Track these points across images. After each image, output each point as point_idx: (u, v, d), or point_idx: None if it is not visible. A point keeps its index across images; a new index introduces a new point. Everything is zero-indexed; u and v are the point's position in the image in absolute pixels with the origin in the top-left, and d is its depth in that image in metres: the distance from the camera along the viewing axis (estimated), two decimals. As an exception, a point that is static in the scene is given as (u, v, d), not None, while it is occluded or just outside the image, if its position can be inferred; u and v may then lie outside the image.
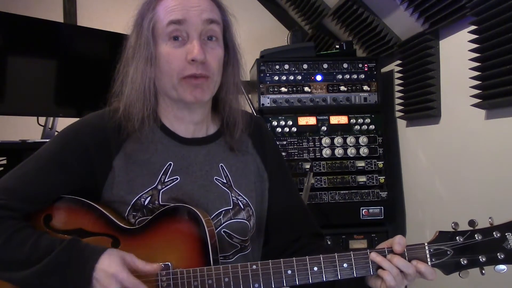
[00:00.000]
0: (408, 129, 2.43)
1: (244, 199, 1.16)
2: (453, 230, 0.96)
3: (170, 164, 1.11)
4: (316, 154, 2.43)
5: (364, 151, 2.44)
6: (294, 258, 0.98)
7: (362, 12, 2.43)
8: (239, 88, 1.19)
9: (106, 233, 1.03)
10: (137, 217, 1.06)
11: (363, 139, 2.44)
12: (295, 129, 2.44)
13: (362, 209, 2.41)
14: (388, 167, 2.47)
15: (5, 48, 2.11)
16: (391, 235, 1.40)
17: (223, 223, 1.12)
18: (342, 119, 2.46)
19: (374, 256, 0.97)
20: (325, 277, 0.97)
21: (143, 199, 1.07)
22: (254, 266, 0.98)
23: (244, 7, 3.23)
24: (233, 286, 0.97)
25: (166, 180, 1.10)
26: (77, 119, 1.17)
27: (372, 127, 2.45)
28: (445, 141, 2.05)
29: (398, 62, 2.38)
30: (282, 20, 3.38)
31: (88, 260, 0.95)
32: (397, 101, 2.42)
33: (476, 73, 1.73)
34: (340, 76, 2.46)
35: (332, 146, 2.44)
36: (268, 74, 2.45)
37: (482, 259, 0.93)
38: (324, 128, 2.44)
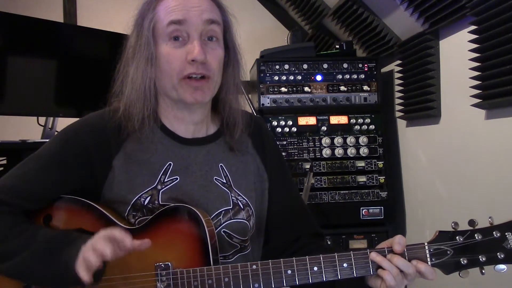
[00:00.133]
0: (408, 129, 2.43)
1: (244, 199, 1.16)
2: (453, 230, 0.96)
3: (170, 164, 1.11)
4: (316, 154, 2.43)
5: (364, 151, 2.44)
6: (294, 258, 0.98)
7: (362, 12, 2.43)
8: (239, 88, 1.19)
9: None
10: (137, 217, 1.07)
11: (363, 139, 2.44)
12: (295, 129, 2.44)
13: (362, 209, 2.41)
14: (388, 167, 2.47)
15: (5, 48, 2.11)
16: (391, 235, 1.40)
17: (223, 223, 1.12)
18: (342, 119, 2.46)
19: (374, 256, 0.97)
20: (325, 277, 0.97)
21: (143, 199, 1.07)
22: (254, 266, 0.98)
23: (244, 7, 3.23)
24: (233, 286, 0.97)
25: (165, 180, 1.10)
26: (77, 119, 1.17)
27: (372, 127, 2.45)
28: (445, 141, 2.05)
29: (398, 62, 2.38)
30: (282, 20, 3.38)
31: (80, 241, 0.96)
32: (397, 101, 2.42)
33: (476, 73, 1.73)
34: (340, 76, 2.46)
35: (332, 146, 2.44)
36: (268, 74, 2.45)
37: (482, 258, 0.93)
38: (324, 128, 2.44)
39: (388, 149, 2.52)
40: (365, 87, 2.46)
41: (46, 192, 1.06)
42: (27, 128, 2.35)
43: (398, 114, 2.44)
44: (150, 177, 1.09)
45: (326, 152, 2.43)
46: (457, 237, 0.95)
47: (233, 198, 1.14)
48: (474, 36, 1.72)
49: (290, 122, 2.44)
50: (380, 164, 2.44)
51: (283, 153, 2.30)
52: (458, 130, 1.95)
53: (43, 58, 2.25)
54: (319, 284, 0.98)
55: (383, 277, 0.95)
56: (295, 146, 2.43)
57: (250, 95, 2.47)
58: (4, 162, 2.05)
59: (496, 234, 0.93)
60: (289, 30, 3.07)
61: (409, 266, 0.94)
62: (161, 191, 1.09)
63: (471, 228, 0.95)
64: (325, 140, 2.43)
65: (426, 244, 0.96)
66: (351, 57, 2.54)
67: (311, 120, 2.45)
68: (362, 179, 2.42)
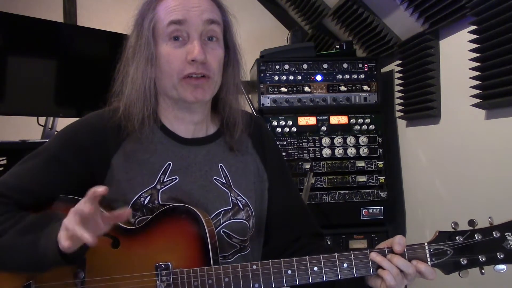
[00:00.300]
0: (408, 129, 2.43)
1: (244, 199, 1.16)
2: (453, 230, 0.96)
3: (169, 164, 1.11)
4: (316, 154, 2.43)
5: (364, 151, 2.44)
6: (294, 258, 0.98)
7: (362, 12, 2.43)
8: (239, 88, 1.19)
9: (106, 233, 1.03)
10: (137, 217, 1.07)
11: (363, 139, 2.44)
12: (295, 129, 2.44)
13: (362, 209, 2.41)
14: (388, 167, 2.47)
15: (5, 48, 2.11)
16: (391, 235, 1.40)
17: (223, 223, 1.12)
18: (342, 119, 2.46)
19: (374, 256, 0.97)
20: (325, 277, 0.97)
21: (143, 199, 1.07)
22: (254, 266, 0.98)
23: (244, 7, 3.23)
24: (233, 286, 0.97)
25: (165, 180, 1.10)
26: (77, 119, 1.17)
27: (372, 127, 2.45)
28: (445, 141, 2.05)
29: (398, 62, 2.38)
30: (282, 20, 3.38)
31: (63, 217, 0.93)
32: (397, 101, 2.42)
33: (476, 73, 1.73)
34: (340, 76, 2.46)
35: (332, 146, 2.44)
36: (268, 74, 2.45)
37: (482, 258, 0.94)
38: (324, 128, 2.44)
39: (388, 149, 2.52)
40: (365, 87, 2.46)
41: (43, 188, 1.06)
42: (27, 128, 2.35)
43: (398, 114, 2.44)
44: (150, 177, 1.09)
45: (326, 152, 2.43)
46: (457, 237, 0.95)
47: (232, 198, 1.14)
48: (474, 36, 1.72)
49: (290, 122, 2.44)
50: (380, 164, 2.44)
51: (283, 153, 2.30)
52: (458, 130, 1.95)
53: (43, 58, 2.25)
54: (319, 284, 0.98)
55: (383, 277, 0.95)
56: (295, 146, 2.43)
57: (250, 95, 2.47)
58: (4, 162, 2.05)
59: (496, 234, 0.93)
60: (289, 30, 3.07)
61: (409, 266, 0.95)
62: (160, 191, 1.09)
63: (471, 228, 0.95)
64: (325, 140, 2.43)
65: (426, 244, 0.96)
66: (351, 57, 2.54)
67: (311, 120, 2.45)
68: (362, 179, 2.42)
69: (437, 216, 2.17)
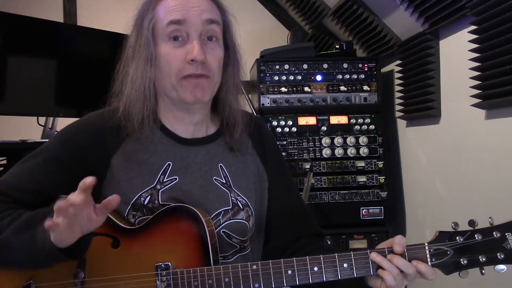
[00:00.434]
0: (408, 129, 2.43)
1: (243, 199, 1.16)
2: (453, 230, 0.96)
3: (169, 164, 1.11)
4: (316, 154, 2.43)
5: (364, 151, 2.44)
6: (294, 258, 0.98)
7: (362, 12, 2.43)
8: (239, 88, 1.19)
9: (106, 233, 1.03)
10: (137, 217, 1.07)
11: (363, 139, 2.44)
12: (295, 129, 2.44)
13: (362, 209, 2.41)
14: (388, 167, 2.47)
15: (5, 48, 2.11)
16: (391, 235, 1.40)
17: (222, 223, 1.12)
18: (342, 119, 2.46)
19: (374, 256, 0.97)
20: (325, 277, 0.97)
21: (143, 199, 1.07)
22: (254, 266, 0.98)
23: (244, 7, 3.23)
24: (233, 286, 0.97)
25: (165, 180, 1.10)
26: (77, 119, 1.17)
27: (372, 127, 2.45)
28: (445, 141, 2.05)
29: (398, 62, 2.38)
30: (282, 20, 3.38)
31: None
32: (397, 101, 2.42)
33: (476, 73, 1.73)
34: (340, 76, 2.46)
35: (332, 146, 2.44)
36: (268, 74, 2.45)
37: (482, 259, 0.93)
38: (324, 128, 2.44)
39: (388, 149, 2.52)
40: (365, 87, 2.46)
41: (43, 188, 1.05)
42: (27, 128, 2.35)
43: (398, 114, 2.44)
44: (150, 177, 1.09)
45: (326, 152, 2.43)
46: (457, 238, 0.95)
47: (232, 198, 1.14)
48: (474, 36, 1.72)
49: (290, 122, 2.44)
50: (380, 164, 2.44)
51: (283, 153, 2.30)
52: (458, 130, 1.95)
53: (43, 58, 2.25)
54: (319, 284, 0.98)
55: (383, 277, 0.95)
56: (295, 146, 2.43)
57: (250, 95, 2.47)
58: (4, 162, 2.05)
59: (496, 234, 0.93)
60: (289, 30, 3.07)
61: (409, 267, 0.95)
62: (160, 191, 1.09)
63: (471, 228, 0.95)
64: (325, 140, 2.43)
65: (426, 244, 0.96)
66: (351, 57, 2.54)
67: (311, 120, 2.45)
68: (362, 179, 2.42)
69: (437, 216, 2.17)
